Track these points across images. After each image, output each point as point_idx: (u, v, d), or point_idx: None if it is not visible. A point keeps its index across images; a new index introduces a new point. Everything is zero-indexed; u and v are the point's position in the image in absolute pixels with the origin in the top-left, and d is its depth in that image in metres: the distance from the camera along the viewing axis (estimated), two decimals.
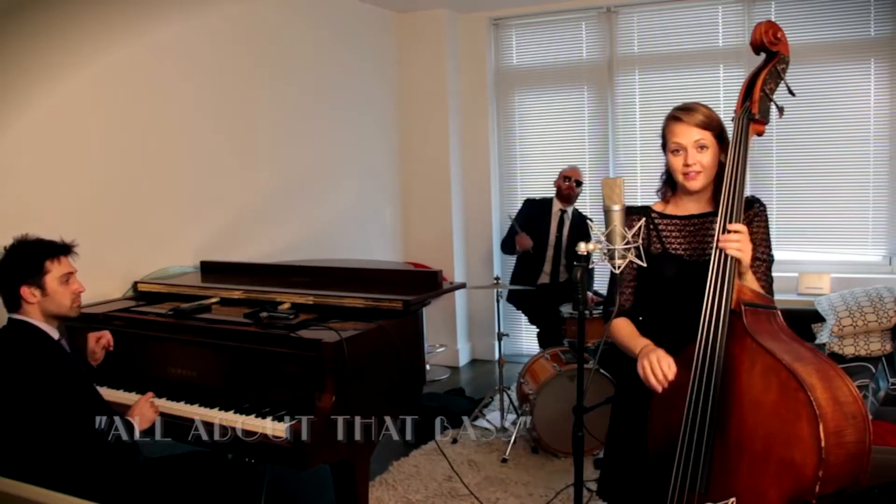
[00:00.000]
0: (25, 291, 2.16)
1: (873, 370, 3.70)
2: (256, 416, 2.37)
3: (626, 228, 1.81)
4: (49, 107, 2.98)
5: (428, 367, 4.48)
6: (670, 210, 2.04)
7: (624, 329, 1.97)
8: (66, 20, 3.02)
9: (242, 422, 2.36)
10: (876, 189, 4.69)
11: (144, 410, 2.29)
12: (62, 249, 2.23)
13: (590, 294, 4.45)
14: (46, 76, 2.96)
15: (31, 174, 2.94)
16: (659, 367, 1.78)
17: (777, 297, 4.20)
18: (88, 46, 3.14)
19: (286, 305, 2.67)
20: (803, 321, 4.34)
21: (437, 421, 4.25)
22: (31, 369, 2.09)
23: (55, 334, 2.23)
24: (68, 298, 2.23)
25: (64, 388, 2.11)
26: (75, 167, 3.11)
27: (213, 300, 2.91)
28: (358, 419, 2.40)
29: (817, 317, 4.28)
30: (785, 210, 4.89)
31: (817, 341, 4.18)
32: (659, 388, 1.78)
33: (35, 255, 2.19)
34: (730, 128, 1.91)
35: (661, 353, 1.81)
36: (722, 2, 4.94)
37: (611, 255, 1.82)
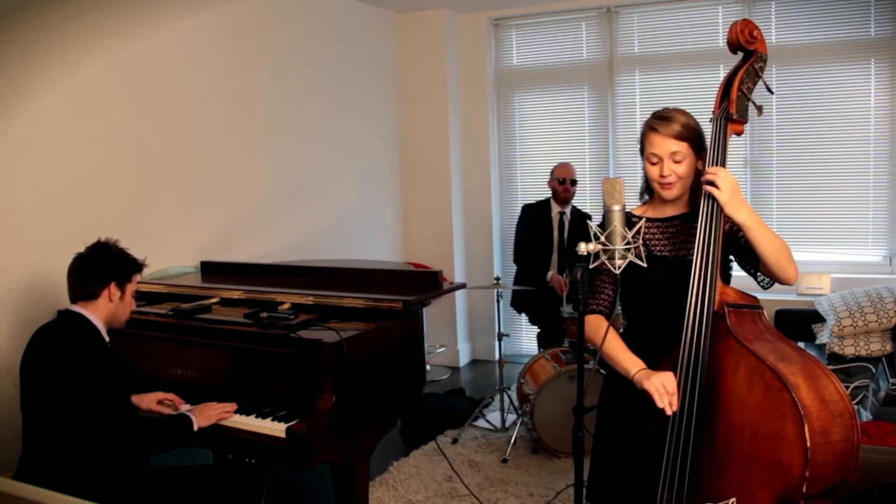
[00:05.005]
0: (112, 288, 2.25)
1: (873, 370, 3.70)
2: (257, 417, 2.37)
3: (626, 229, 1.82)
4: (48, 108, 2.98)
5: (428, 367, 4.48)
6: (651, 213, 2.05)
7: (612, 342, 1.93)
8: (64, 21, 3.02)
9: (243, 422, 2.36)
10: (876, 189, 4.69)
11: (205, 410, 2.34)
12: (141, 268, 2.36)
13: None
14: (45, 77, 2.96)
15: (31, 175, 2.94)
16: (666, 392, 1.74)
17: (777, 297, 4.21)
18: (87, 48, 3.14)
19: (286, 306, 2.67)
20: (803, 321, 4.34)
21: (437, 421, 4.25)
22: (82, 363, 2.11)
23: (106, 337, 2.27)
24: (128, 312, 2.35)
25: (110, 387, 2.14)
26: (74, 167, 3.11)
27: (214, 300, 2.91)
28: (358, 419, 2.40)
29: (817, 317, 4.28)
30: (785, 210, 4.88)
31: (817, 341, 4.18)
32: (670, 411, 1.74)
33: (129, 263, 2.31)
34: (708, 128, 1.91)
35: (667, 375, 1.76)
36: (722, 2, 4.94)
37: (611, 256, 1.82)
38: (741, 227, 1.77)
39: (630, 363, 1.86)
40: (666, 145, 1.91)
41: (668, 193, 1.95)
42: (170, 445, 2.26)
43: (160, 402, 2.49)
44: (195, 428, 2.28)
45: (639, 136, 2.02)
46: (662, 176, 1.92)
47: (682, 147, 1.90)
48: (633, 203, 2.07)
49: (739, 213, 1.75)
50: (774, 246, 1.79)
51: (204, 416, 2.32)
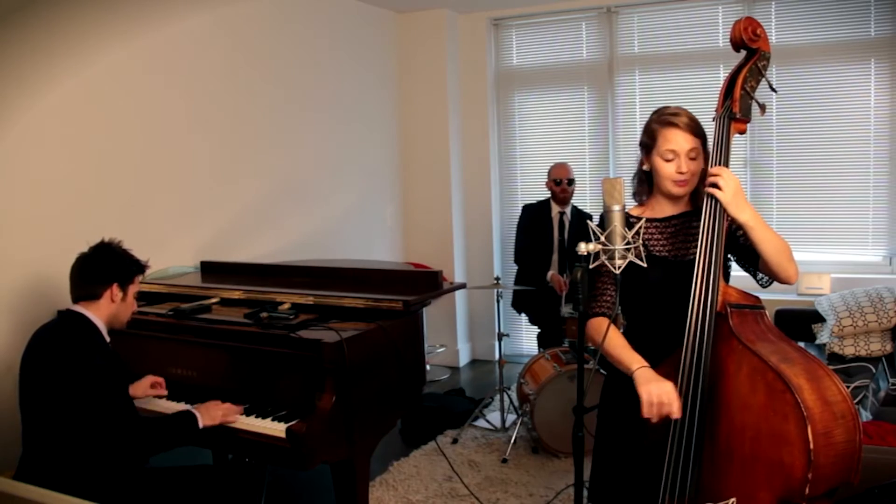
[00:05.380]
0: (115, 289, 2.25)
1: (873, 370, 3.70)
2: (257, 417, 2.37)
3: (626, 229, 1.81)
4: (49, 107, 2.98)
5: (428, 367, 4.48)
6: (648, 213, 2.03)
7: (614, 339, 1.92)
8: (67, 22, 3.02)
9: (243, 422, 2.36)
10: (876, 189, 4.69)
11: (212, 409, 2.33)
12: (144, 270, 2.37)
13: None
14: (47, 78, 2.96)
15: (32, 174, 2.94)
16: (659, 404, 1.72)
17: (777, 297, 4.20)
18: (89, 48, 3.14)
19: (286, 306, 2.67)
20: (803, 321, 4.34)
21: (437, 421, 4.25)
22: (83, 363, 2.11)
23: (107, 337, 2.28)
24: (130, 313, 2.35)
25: (111, 387, 2.14)
26: (75, 167, 3.11)
27: (214, 300, 2.91)
28: (358, 419, 2.40)
29: (817, 317, 4.28)
30: (785, 210, 4.88)
31: (817, 341, 4.18)
32: (655, 420, 1.73)
33: (132, 264, 2.32)
34: (710, 127, 1.90)
35: (665, 386, 1.74)
36: (722, 2, 4.94)
37: (610, 256, 1.81)
38: (743, 227, 1.77)
39: (631, 359, 1.85)
40: (684, 141, 1.89)
41: (682, 190, 1.93)
42: (174, 443, 2.25)
43: (153, 386, 2.53)
44: (200, 425, 2.27)
45: (646, 133, 1.97)
46: (680, 172, 1.90)
47: (697, 144, 1.90)
48: (629, 204, 2.07)
49: (742, 213, 1.74)
50: (776, 245, 1.79)
51: (210, 415, 2.31)
